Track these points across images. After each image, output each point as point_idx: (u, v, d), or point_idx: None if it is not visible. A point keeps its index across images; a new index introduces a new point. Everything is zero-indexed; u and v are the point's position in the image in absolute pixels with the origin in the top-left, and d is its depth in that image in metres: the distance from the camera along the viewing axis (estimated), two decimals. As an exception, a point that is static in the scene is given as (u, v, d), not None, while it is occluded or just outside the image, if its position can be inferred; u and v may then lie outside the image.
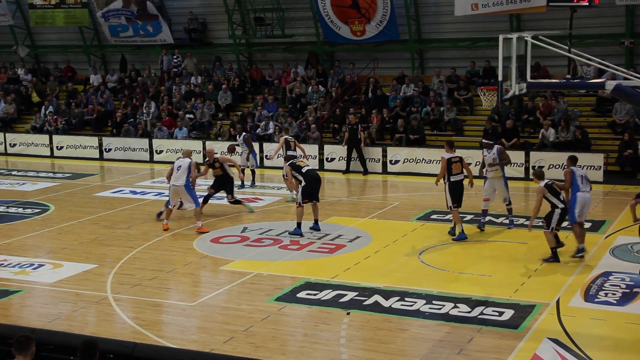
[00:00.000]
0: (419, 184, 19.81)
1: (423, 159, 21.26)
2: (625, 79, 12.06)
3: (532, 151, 20.07)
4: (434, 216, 15.85)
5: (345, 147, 21.50)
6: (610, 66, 12.50)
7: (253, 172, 19.52)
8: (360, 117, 23.41)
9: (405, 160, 21.27)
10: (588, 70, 21.79)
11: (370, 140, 22.50)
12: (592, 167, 19.51)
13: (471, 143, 22.16)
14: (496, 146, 14.72)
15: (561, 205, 12.34)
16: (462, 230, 13.86)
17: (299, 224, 14.14)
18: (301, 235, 14.05)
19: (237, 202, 15.92)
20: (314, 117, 23.50)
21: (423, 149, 21.68)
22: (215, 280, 11.84)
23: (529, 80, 11.88)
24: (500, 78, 10.97)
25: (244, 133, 20.00)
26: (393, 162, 21.57)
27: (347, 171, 21.39)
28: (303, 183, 14.21)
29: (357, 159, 21.41)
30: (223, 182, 15.84)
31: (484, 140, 15.40)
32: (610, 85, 11.32)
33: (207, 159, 15.84)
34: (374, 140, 22.61)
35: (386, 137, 23.13)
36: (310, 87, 25.51)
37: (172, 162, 23.74)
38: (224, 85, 26.30)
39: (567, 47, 10.82)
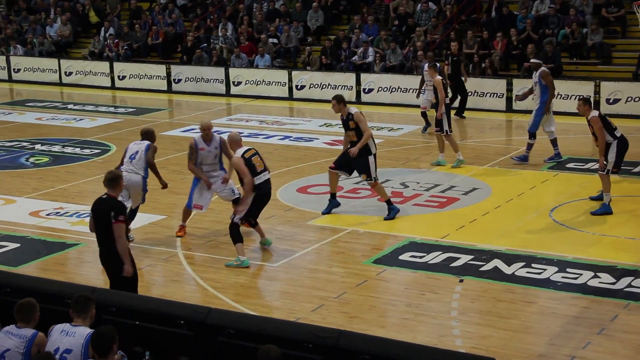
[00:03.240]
0: (552, 125, 19.27)
1: (558, 94, 20.55)
2: None
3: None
4: (570, 165, 15.45)
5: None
6: None
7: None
8: (480, 41, 22.89)
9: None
10: None
11: (493, 71, 22.01)
12: None
13: (623, 74, 21.35)
14: (540, 69, 15.49)
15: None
16: (610, 201, 12.44)
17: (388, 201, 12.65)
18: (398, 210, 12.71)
19: (252, 224, 11.36)
20: (423, 41, 23.16)
21: (559, 81, 20.96)
22: (302, 238, 12.01)
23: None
24: (663, -10, 10.42)
25: (428, 63, 17.35)
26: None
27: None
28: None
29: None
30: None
31: (532, 60, 16.14)
32: None
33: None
34: (496, 71, 22.10)
35: (512, 67, 22.57)
36: (419, 5, 25.08)
37: (252, 96, 24.13)
38: (314, 4, 26.22)
39: None
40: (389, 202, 12.61)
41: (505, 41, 22.58)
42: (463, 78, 20.22)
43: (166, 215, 13.02)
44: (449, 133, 15.38)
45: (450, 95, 17.45)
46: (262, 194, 10.91)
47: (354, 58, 23.88)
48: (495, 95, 21.24)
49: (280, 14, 26.69)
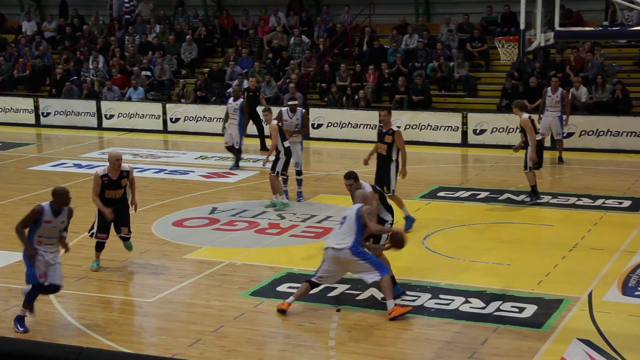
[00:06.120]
0: (423, 155, 19.84)
1: (428, 125, 21.28)
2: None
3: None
4: (441, 193, 15.90)
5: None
6: (655, 11, 12.49)
7: (239, 150, 18.48)
8: (353, 73, 23.37)
9: (407, 126, 21.27)
10: (630, 15, 21.82)
11: (365, 103, 22.49)
12: (633, 134, 19.60)
13: (488, 106, 22.21)
14: (300, 109, 15.77)
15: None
16: None
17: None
18: None
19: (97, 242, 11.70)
20: (297, 74, 23.44)
21: (428, 112, 21.68)
22: (178, 272, 11.84)
23: (557, 28, 11.87)
24: (522, 26, 10.94)
25: (241, 99, 18.71)
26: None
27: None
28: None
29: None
30: (120, 212, 11.61)
31: (289, 102, 16.14)
32: (655, 33, 11.32)
33: (106, 173, 11.42)
34: (369, 103, 22.59)
35: (384, 99, 23.12)
36: (293, 38, 25.39)
37: (125, 130, 23.81)
38: (188, 36, 26.14)
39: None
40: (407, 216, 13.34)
41: (377, 74, 23.13)
42: (264, 109, 20.41)
43: (35, 253, 12.58)
44: (279, 175, 14.84)
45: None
46: None
47: (228, 90, 23.88)
48: (369, 126, 21.68)
49: (153, 46, 26.45)
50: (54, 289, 9.71)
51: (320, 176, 17.60)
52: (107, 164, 11.51)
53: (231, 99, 18.68)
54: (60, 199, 9.66)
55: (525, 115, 14.71)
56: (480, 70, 23.66)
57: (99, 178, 11.38)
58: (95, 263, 11.84)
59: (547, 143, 18.11)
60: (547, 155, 16.86)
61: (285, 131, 15.07)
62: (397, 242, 10.12)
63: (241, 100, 18.57)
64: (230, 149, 18.45)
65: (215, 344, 9.32)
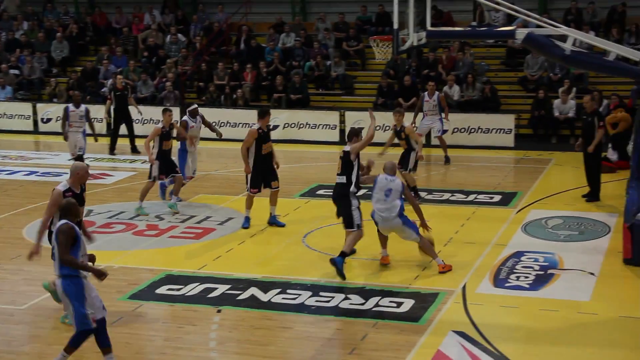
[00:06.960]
0: (302, 154, 19.99)
1: (307, 124, 21.45)
2: (538, 26, 12.62)
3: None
4: (320, 191, 16.03)
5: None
6: (521, 11, 13.01)
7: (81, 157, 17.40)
8: (231, 72, 23.30)
9: (286, 125, 21.38)
10: (496, 16, 22.64)
11: (244, 102, 22.44)
12: (502, 131, 20.33)
13: (364, 104, 22.56)
14: (199, 116, 15.91)
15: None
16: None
17: None
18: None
19: None
20: (173, 73, 23.15)
21: (307, 111, 21.85)
22: (52, 278, 11.46)
23: (429, 28, 12.20)
24: (395, 26, 11.20)
25: (84, 106, 17.84)
26: (271, 127, 21.57)
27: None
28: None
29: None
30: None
31: (189, 109, 16.00)
32: (521, 34, 11.82)
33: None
34: (247, 102, 22.55)
35: (262, 98, 23.15)
36: (169, 37, 25.08)
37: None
38: (58, 34, 25.44)
39: (472, -10, 11.18)
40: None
41: (254, 73, 23.13)
42: (137, 110, 20.09)
43: None
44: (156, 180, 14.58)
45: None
46: None
47: (103, 90, 23.37)
48: (247, 125, 21.59)
49: (21, 44, 25.59)
50: (103, 324, 8.47)
51: (199, 176, 17.43)
52: (68, 177, 9.79)
53: (71, 105, 17.63)
54: (76, 210, 8.54)
55: (407, 123, 15.18)
56: (356, 69, 24.01)
57: (60, 195, 9.48)
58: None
59: (424, 141, 18.52)
60: (424, 152, 17.26)
61: (191, 137, 15.16)
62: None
63: (84, 107, 17.73)
64: (79, 158, 17.19)
65: (92, 349, 9.07)
